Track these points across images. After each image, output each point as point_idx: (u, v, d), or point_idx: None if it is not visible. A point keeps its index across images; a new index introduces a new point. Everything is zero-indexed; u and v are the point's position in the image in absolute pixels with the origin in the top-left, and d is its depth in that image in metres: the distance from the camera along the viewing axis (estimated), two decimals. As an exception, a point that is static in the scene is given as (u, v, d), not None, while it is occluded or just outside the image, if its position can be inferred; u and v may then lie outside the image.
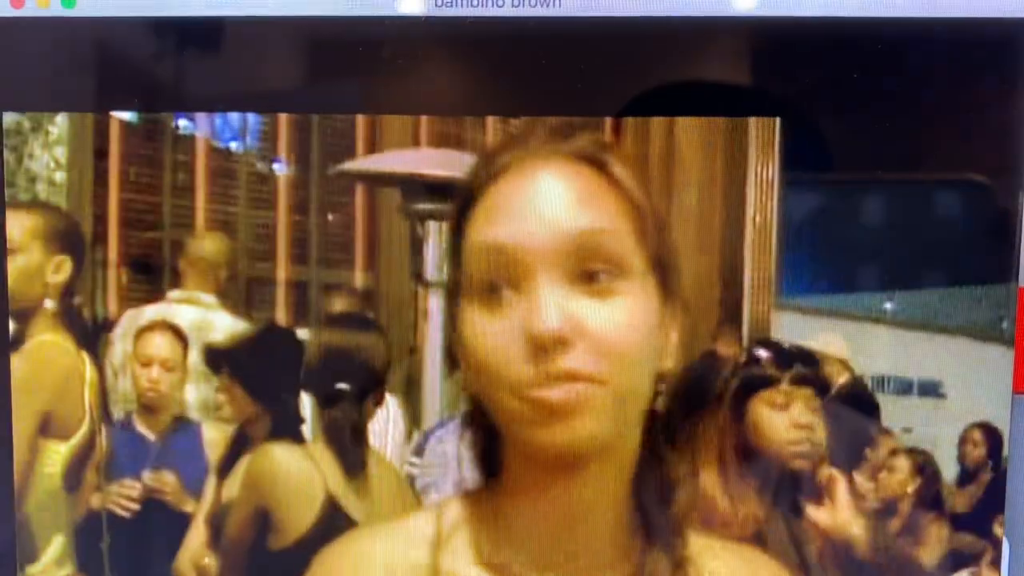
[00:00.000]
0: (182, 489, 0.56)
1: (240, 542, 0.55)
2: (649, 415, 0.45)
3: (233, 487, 0.55)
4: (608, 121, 0.50)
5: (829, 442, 0.53)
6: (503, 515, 0.46)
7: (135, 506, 0.56)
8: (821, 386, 0.53)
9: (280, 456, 0.55)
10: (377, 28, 0.51)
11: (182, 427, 0.57)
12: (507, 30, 0.50)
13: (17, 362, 0.56)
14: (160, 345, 0.56)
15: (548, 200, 0.43)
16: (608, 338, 0.42)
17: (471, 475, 0.47)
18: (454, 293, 0.46)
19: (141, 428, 0.57)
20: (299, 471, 0.55)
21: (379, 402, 0.54)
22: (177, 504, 0.56)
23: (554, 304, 0.42)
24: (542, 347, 0.41)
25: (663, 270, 0.44)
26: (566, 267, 0.42)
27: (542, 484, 0.44)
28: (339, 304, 0.55)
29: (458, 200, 0.46)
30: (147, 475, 0.56)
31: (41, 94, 0.54)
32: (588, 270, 0.42)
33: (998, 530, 0.53)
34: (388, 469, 0.54)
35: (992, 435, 0.52)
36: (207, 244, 0.55)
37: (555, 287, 0.42)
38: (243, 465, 0.55)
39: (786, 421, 0.52)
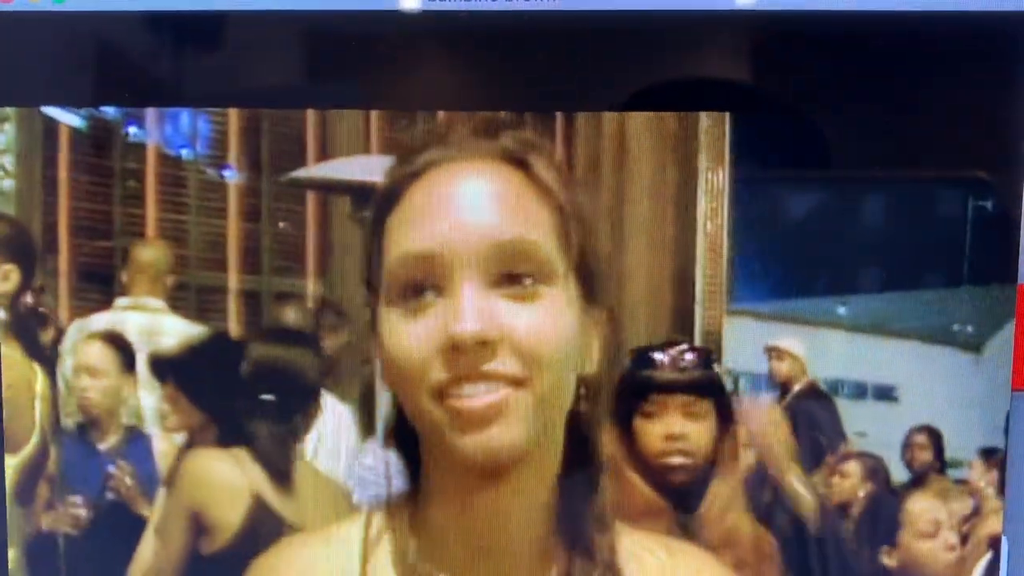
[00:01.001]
0: (138, 487, 0.56)
1: (181, 547, 0.55)
2: (572, 419, 0.45)
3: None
4: (560, 117, 0.50)
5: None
6: (425, 522, 0.45)
7: (83, 522, 0.56)
8: (706, 388, 0.52)
9: (204, 459, 0.55)
10: (373, 22, 0.51)
11: (135, 438, 0.56)
12: (502, 24, 0.50)
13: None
14: (92, 355, 0.55)
15: (472, 203, 0.43)
16: (530, 341, 0.42)
17: (397, 481, 0.47)
18: (374, 295, 0.45)
19: (92, 440, 0.56)
20: (223, 473, 0.54)
21: (313, 413, 0.54)
22: (131, 502, 0.56)
23: (476, 306, 0.41)
24: (463, 349, 0.41)
25: (586, 275, 0.44)
26: (489, 270, 0.42)
27: (463, 490, 0.44)
28: (290, 312, 0.55)
29: (379, 199, 0.45)
30: (110, 468, 0.56)
31: (36, 89, 0.54)
32: (511, 273, 0.42)
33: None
34: (317, 476, 0.54)
35: (936, 438, 0.52)
36: (150, 252, 0.55)
37: (478, 290, 0.42)
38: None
39: (658, 432, 0.51)
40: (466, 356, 0.41)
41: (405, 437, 0.46)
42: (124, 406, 0.56)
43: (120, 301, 0.55)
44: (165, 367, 0.55)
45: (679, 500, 0.51)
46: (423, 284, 0.42)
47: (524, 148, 0.44)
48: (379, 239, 0.44)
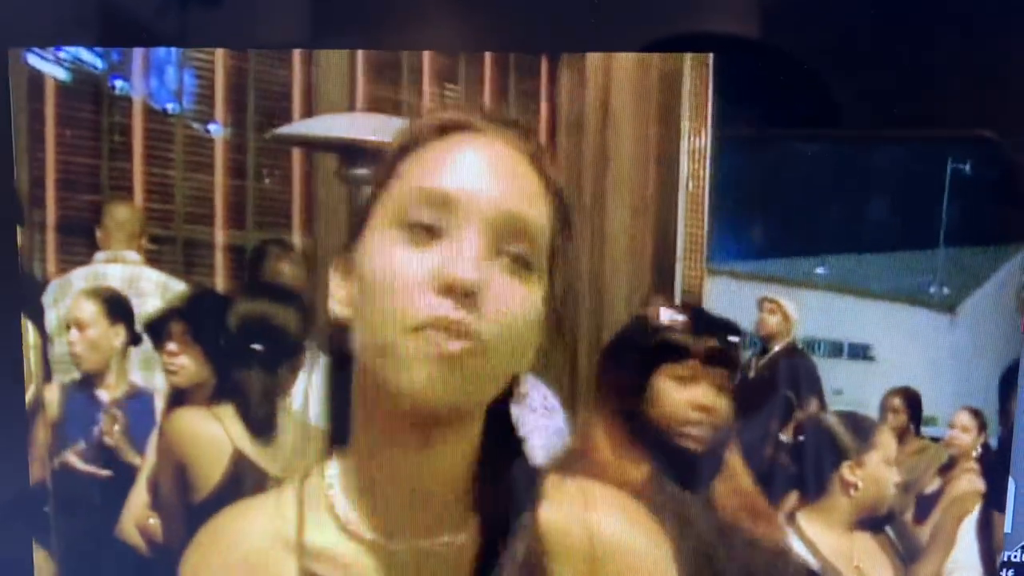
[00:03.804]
0: (128, 435, 0.57)
1: (170, 501, 0.56)
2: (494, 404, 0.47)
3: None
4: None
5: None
6: (355, 474, 0.47)
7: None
8: (736, 364, 0.53)
9: (185, 418, 0.56)
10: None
11: (137, 394, 0.58)
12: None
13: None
14: (80, 308, 0.56)
15: (493, 170, 0.45)
16: (501, 314, 0.44)
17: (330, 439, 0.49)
18: (360, 227, 0.46)
19: (96, 392, 0.57)
20: (204, 431, 0.56)
21: (295, 367, 0.55)
22: (121, 451, 0.57)
23: (478, 259, 0.43)
24: (452, 291, 0.43)
25: (557, 278, 0.46)
26: (496, 235, 0.44)
27: (393, 441, 0.45)
28: (275, 267, 0.55)
29: (398, 143, 0.46)
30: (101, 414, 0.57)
31: (44, 29, 0.54)
32: (511, 249, 0.44)
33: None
34: (300, 425, 0.55)
35: (912, 399, 0.54)
36: (125, 210, 0.55)
37: (483, 246, 0.44)
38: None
39: (687, 399, 0.53)
40: (451, 298, 0.43)
41: (339, 390, 0.47)
42: (118, 358, 0.57)
43: (99, 256, 0.56)
44: (180, 317, 0.56)
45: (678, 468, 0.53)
46: (434, 221, 0.44)
47: (538, 147, 0.47)
48: (390, 175, 0.46)
